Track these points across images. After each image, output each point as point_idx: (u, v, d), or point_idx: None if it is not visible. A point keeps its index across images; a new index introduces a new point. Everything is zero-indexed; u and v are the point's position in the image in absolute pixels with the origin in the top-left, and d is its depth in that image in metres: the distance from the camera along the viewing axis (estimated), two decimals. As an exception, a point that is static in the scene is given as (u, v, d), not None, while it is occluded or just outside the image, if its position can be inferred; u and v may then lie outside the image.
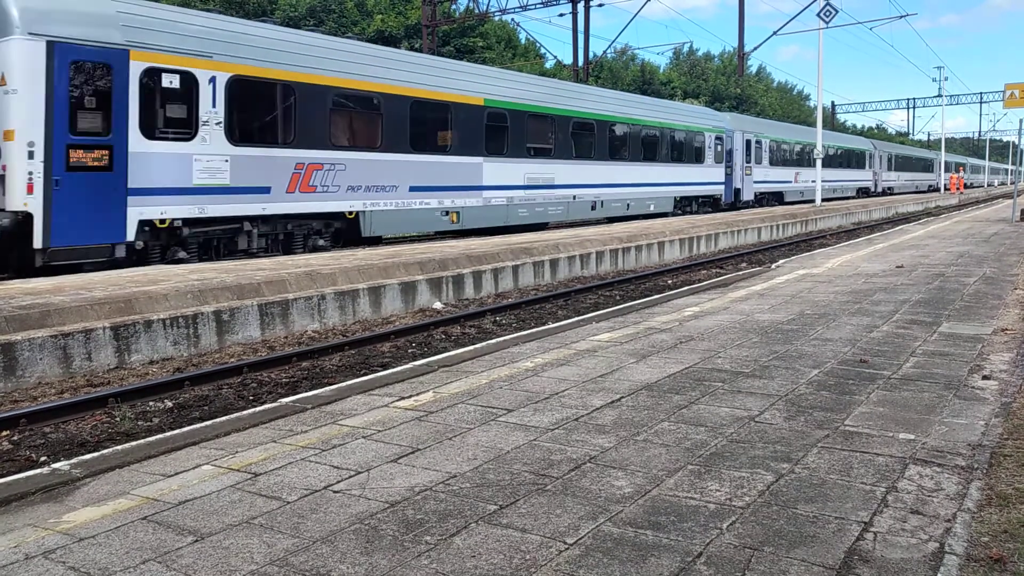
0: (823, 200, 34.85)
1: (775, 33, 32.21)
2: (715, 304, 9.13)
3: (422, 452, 4.14)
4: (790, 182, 36.55)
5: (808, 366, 5.97)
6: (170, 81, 11.62)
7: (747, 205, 31.88)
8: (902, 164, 58.98)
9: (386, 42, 37.14)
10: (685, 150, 26.38)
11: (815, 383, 5.46)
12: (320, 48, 14.41)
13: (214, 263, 11.76)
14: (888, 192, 54.74)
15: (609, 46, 60.69)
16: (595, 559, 2.93)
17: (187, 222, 12.10)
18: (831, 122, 75.15)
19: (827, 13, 28.74)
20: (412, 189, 15.79)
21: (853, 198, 44.49)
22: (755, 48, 36.08)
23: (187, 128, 11.96)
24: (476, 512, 3.36)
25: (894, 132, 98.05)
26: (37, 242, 10.34)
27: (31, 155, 10.21)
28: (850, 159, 45.87)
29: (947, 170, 72.30)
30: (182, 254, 12.21)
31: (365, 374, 7.00)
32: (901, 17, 32.86)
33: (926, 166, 67.96)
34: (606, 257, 16.17)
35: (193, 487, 3.69)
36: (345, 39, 16.37)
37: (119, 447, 4.44)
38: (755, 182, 32.29)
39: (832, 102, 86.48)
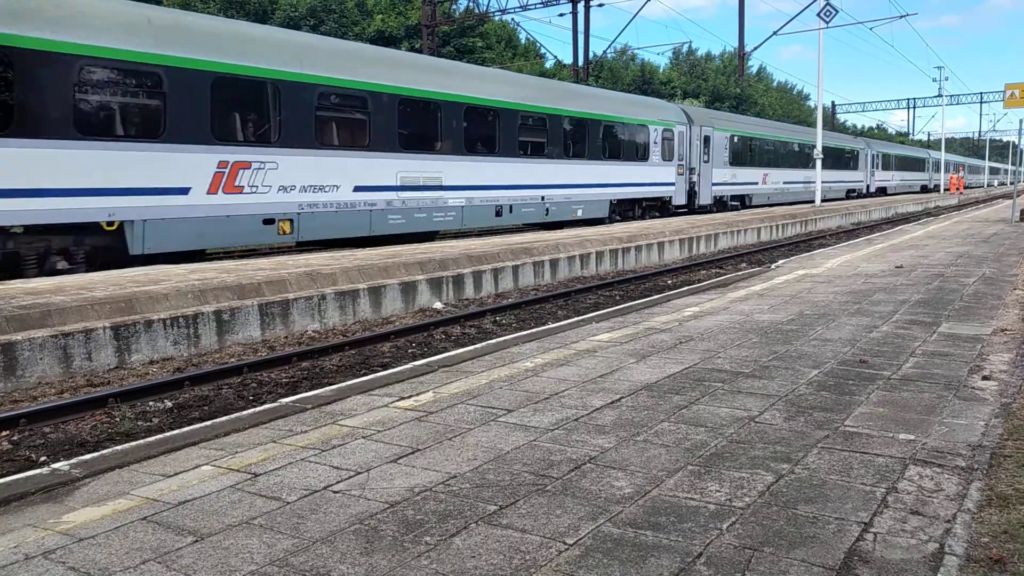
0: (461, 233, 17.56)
1: (775, 33, 32.22)
2: (715, 304, 9.13)
3: (422, 452, 4.14)
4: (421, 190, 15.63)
5: (808, 366, 5.97)
6: None
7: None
8: (778, 157, 34.53)
9: (386, 43, 37.17)
10: None
11: (815, 383, 5.46)
12: None
13: (215, 263, 11.76)
14: (742, 204, 31.24)
15: (609, 46, 60.66)
16: (595, 559, 2.93)
17: None
18: (831, 121, 73.83)
19: (827, 13, 28.75)
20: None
21: (612, 221, 22.64)
22: (755, 48, 36.08)
23: None
24: (476, 512, 3.36)
25: (894, 132, 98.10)
26: None
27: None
28: (609, 143, 22.19)
29: (886, 167, 53.07)
30: None
31: (365, 374, 7.00)
32: (901, 17, 32.88)
33: (841, 160, 43.88)
34: (606, 257, 16.17)
35: (193, 487, 3.69)
36: None
37: (119, 447, 4.44)
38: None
39: (832, 102, 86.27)
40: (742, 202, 31.72)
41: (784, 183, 35.66)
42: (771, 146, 34.37)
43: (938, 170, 69.87)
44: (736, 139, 30.41)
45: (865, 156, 49.34)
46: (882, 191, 53.92)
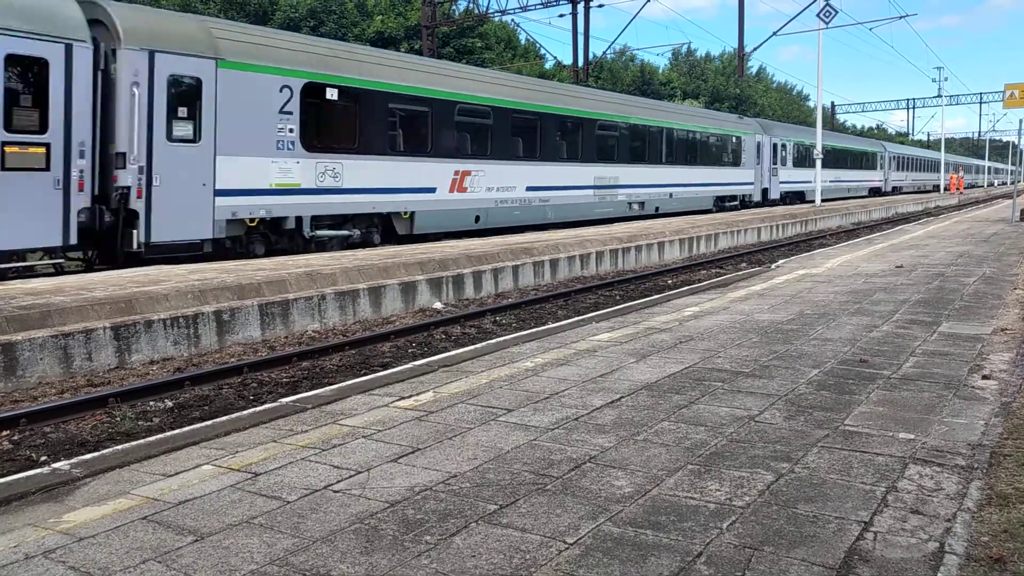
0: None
1: (775, 34, 32.25)
2: (715, 304, 9.13)
3: (422, 452, 4.14)
4: None
5: (808, 366, 5.97)
6: None
7: None
8: (493, 140, 18.08)
9: (385, 44, 37.22)
10: None
11: (815, 383, 5.46)
12: None
13: (215, 263, 11.76)
14: (329, 245, 14.50)
15: (609, 47, 60.64)
16: (595, 559, 2.93)
17: None
18: (831, 122, 72.94)
19: (827, 13, 28.76)
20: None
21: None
22: (755, 48, 36.06)
23: None
24: (476, 512, 3.36)
25: (894, 132, 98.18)
26: None
27: None
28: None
29: (805, 163, 35.79)
30: None
31: (365, 374, 7.00)
32: (901, 17, 32.91)
33: (700, 152, 27.80)
34: (606, 257, 16.17)
35: (193, 487, 3.69)
36: None
37: (119, 447, 4.44)
38: None
39: (832, 102, 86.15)
40: (343, 239, 14.87)
41: (530, 190, 19.07)
42: (468, 117, 17.32)
43: (900, 168, 55.07)
44: (308, 87, 13.78)
45: (757, 146, 31.93)
46: (798, 198, 36.33)
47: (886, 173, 52.34)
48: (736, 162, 30.58)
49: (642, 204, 24.33)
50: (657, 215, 24.86)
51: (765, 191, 32.97)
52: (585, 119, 21.59)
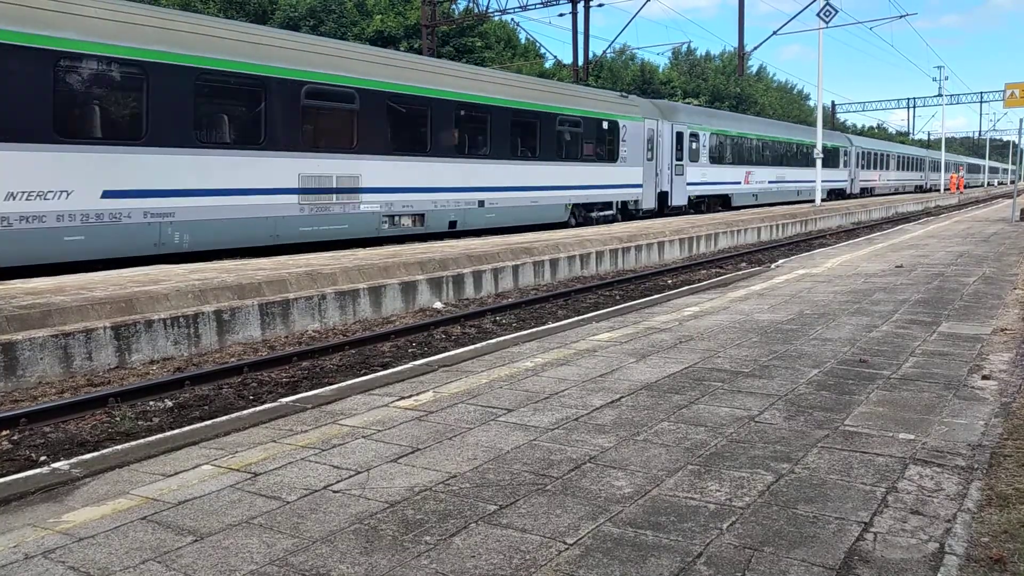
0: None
1: (775, 33, 32.18)
2: (715, 304, 9.12)
3: (422, 452, 4.14)
4: None
5: (808, 366, 5.97)
6: None
7: None
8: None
9: (385, 43, 37.22)
10: None
11: (815, 383, 5.46)
12: None
13: (215, 263, 11.76)
14: None
15: (609, 46, 60.53)
16: (595, 559, 2.93)
17: None
18: (831, 121, 72.69)
19: (827, 13, 28.73)
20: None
21: None
22: (755, 48, 36.03)
23: None
24: (476, 512, 3.36)
25: (895, 132, 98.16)
26: None
27: None
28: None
29: (734, 158, 29.52)
30: None
31: (365, 374, 7.00)
32: (901, 17, 32.83)
33: (552, 140, 19.33)
34: (606, 257, 16.17)
35: (193, 487, 3.69)
36: None
37: (119, 447, 4.44)
38: None
39: (832, 102, 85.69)
40: None
41: (115, 196, 10.98)
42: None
43: (872, 166, 48.08)
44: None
45: (649, 135, 23.74)
46: (720, 203, 29.10)
47: (852, 172, 44.11)
48: (611, 156, 21.85)
49: (419, 217, 16.01)
50: (455, 233, 16.77)
51: (664, 195, 24.67)
52: (273, 79, 13.04)
